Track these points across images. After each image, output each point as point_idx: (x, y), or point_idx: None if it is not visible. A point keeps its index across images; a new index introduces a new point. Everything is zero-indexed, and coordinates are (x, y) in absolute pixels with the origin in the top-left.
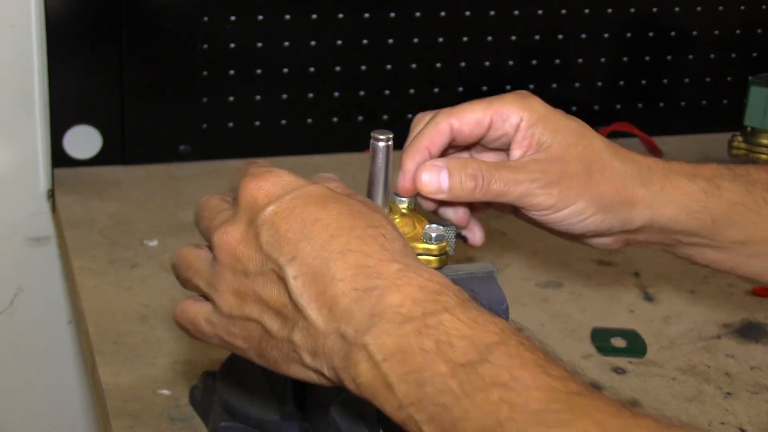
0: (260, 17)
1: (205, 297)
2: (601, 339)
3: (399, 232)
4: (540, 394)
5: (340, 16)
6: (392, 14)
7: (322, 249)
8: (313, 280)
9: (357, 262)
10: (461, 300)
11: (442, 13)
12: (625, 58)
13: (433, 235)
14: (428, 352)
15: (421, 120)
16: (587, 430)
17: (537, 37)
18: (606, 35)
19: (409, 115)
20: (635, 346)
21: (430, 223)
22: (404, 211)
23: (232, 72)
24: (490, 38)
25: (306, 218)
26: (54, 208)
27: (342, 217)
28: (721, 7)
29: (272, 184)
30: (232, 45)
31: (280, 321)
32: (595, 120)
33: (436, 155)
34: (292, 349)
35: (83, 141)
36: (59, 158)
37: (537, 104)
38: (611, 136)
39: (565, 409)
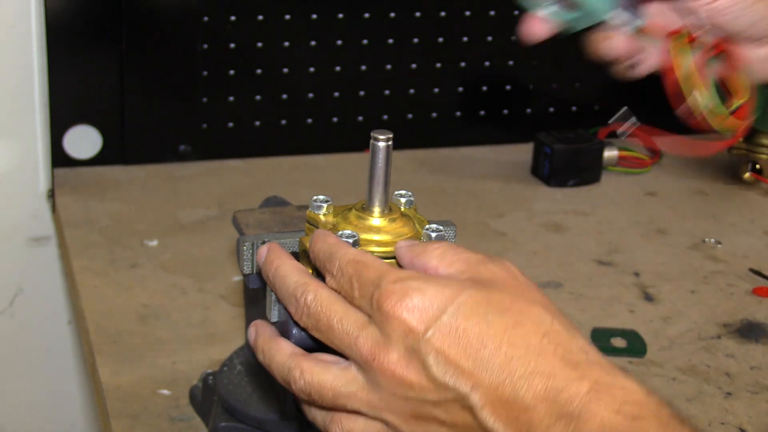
0: (260, 17)
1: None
2: (601, 339)
3: (569, 323)
4: None
5: (340, 16)
6: (392, 14)
7: (503, 373)
8: (502, 408)
9: (544, 386)
10: (664, 423)
11: (442, 13)
12: None
13: (433, 235)
14: None
15: None
16: None
17: None
18: None
19: (409, 115)
20: (635, 346)
21: (430, 223)
22: (404, 211)
23: (232, 72)
24: (490, 38)
25: (473, 340)
26: (54, 208)
27: (510, 331)
28: None
29: (421, 302)
30: (232, 45)
31: None
32: (595, 120)
33: None
34: None
35: (83, 141)
36: (59, 158)
37: None
38: (611, 136)
39: None
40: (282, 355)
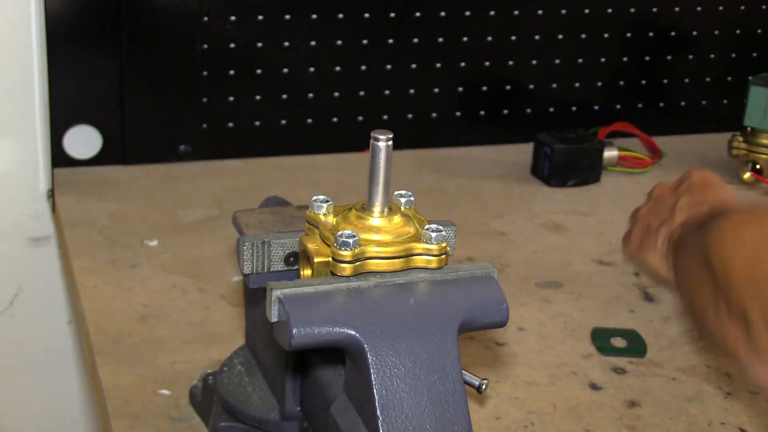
0: (260, 17)
1: None
2: (601, 339)
3: None
4: None
5: (340, 16)
6: (392, 14)
7: None
8: None
9: None
10: None
11: (442, 13)
12: (625, 58)
13: (433, 235)
14: None
15: None
16: None
17: (537, 37)
18: (606, 35)
19: (409, 115)
20: (635, 346)
21: (430, 222)
22: (404, 210)
23: (232, 72)
24: (490, 38)
25: None
26: (54, 208)
27: None
28: (721, 7)
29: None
30: (232, 45)
31: None
32: (595, 120)
33: None
34: None
35: (83, 141)
36: (59, 158)
37: None
38: (611, 136)
39: None
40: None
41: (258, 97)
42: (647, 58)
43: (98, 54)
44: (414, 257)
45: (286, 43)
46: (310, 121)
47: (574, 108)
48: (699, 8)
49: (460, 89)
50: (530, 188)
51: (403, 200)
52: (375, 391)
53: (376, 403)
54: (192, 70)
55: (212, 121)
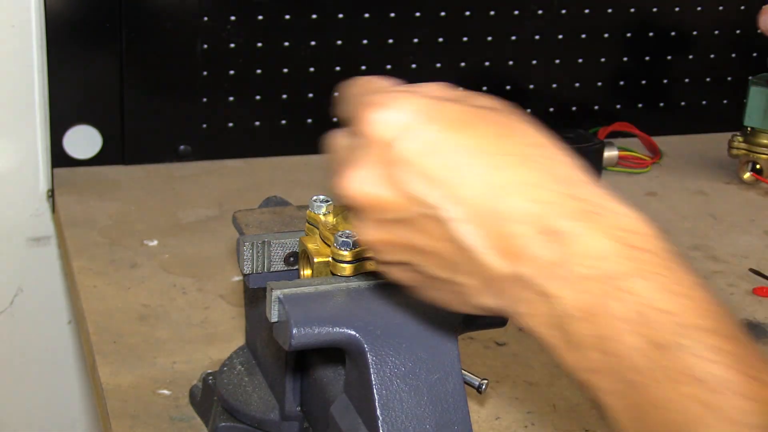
0: (260, 17)
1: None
2: None
3: (560, 145)
4: (744, 404)
5: (340, 16)
6: (392, 14)
7: (485, 185)
8: (482, 222)
9: (531, 197)
10: (664, 258)
11: (442, 13)
12: (625, 58)
13: None
14: (619, 320)
15: None
16: None
17: (537, 37)
18: (606, 35)
19: None
20: None
21: None
22: None
23: (232, 72)
24: (490, 38)
25: (453, 149)
26: (54, 208)
27: (500, 140)
28: (721, 7)
29: (398, 113)
30: (232, 45)
31: (441, 264)
32: (595, 120)
33: None
34: (457, 290)
35: (83, 141)
36: (59, 158)
37: None
38: (611, 136)
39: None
40: None
41: (258, 97)
42: (647, 58)
43: (98, 54)
44: None
45: (286, 43)
46: (309, 121)
47: (574, 108)
48: (699, 8)
49: (460, 89)
50: None
51: None
52: (375, 391)
53: (376, 403)
54: (192, 70)
55: (212, 121)
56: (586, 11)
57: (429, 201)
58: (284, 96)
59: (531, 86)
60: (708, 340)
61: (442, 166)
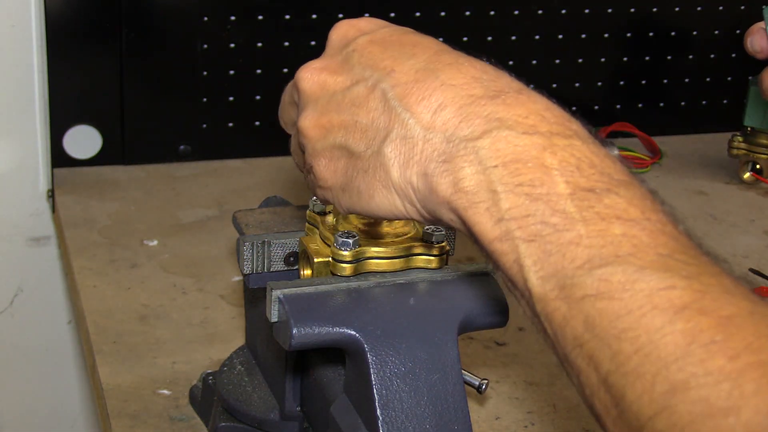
0: (260, 17)
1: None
2: None
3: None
4: (668, 240)
5: (340, 16)
6: (392, 14)
7: (428, 62)
8: (416, 87)
9: (471, 74)
10: (590, 134)
11: (442, 13)
12: (625, 58)
13: (434, 234)
14: (549, 169)
15: None
16: (712, 288)
17: (537, 37)
18: (606, 35)
19: None
20: None
21: None
22: None
23: (232, 72)
24: (490, 38)
25: (405, 42)
26: (54, 208)
27: (443, 45)
28: (721, 7)
29: (366, 22)
30: (232, 45)
31: (368, 137)
32: (595, 120)
33: None
34: (379, 164)
35: (83, 141)
36: (59, 158)
37: None
38: (611, 136)
39: (694, 262)
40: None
41: (258, 97)
42: (647, 58)
43: (98, 54)
44: (414, 257)
45: (286, 43)
46: None
47: (574, 108)
48: (699, 8)
49: None
50: None
51: None
52: (375, 391)
53: (376, 403)
54: (192, 70)
55: (212, 121)
56: (586, 11)
57: (368, 74)
58: None
59: (531, 86)
60: (636, 191)
61: (389, 50)
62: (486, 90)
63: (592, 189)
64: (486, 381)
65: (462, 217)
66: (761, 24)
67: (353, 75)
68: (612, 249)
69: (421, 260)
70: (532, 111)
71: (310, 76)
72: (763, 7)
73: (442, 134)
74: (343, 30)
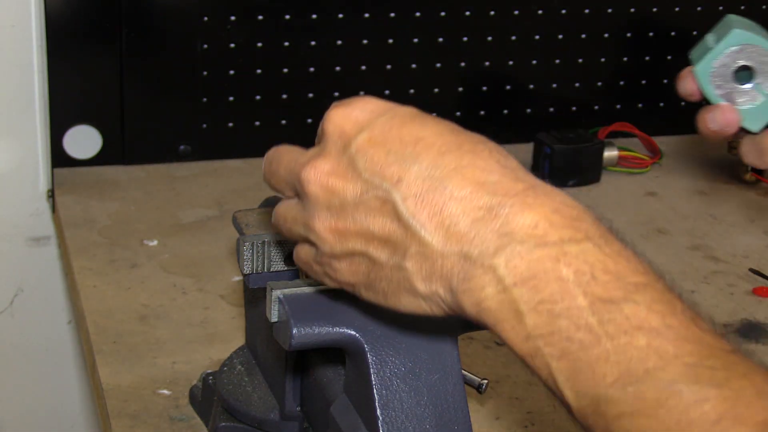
0: (260, 17)
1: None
2: None
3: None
4: (693, 347)
5: (340, 16)
6: (392, 14)
7: (433, 167)
8: (426, 200)
9: (476, 178)
10: (602, 231)
11: (442, 13)
12: (625, 58)
13: None
14: (566, 282)
15: None
16: (743, 392)
17: (537, 37)
18: (606, 35)
19: None
20: None
21: None
22: None
23: (232, 72)
24: (490, 38)
25: (406, 139)
26: (54, 208)
27: (446, 135)
28: (721, 7)
29: (360, 111)
30: (232, 45)
31: (389, 249)
32: (595, 120)
33: None
34: (403, 277)
35: (83, 141)
36: (59, 158)
37: None
38: (611, 136)
39: (721, 366)
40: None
41: (258, 97)
42: (647, 58)
43: (98, 54)
44: None
45: (286, 43)
46: (310, 121)
47: (574, 108)
48: (699, 8)
49: (460, 89)
50: None
51: None
52: (375, 391)
53: (376, 403)
54: (192, 70)
55: (212, 121)
56: (586, 11)
57: (377, 182)
58: (284, 96)
59: (531, 86)
60: (653, 294)
61: (393, 152)
62: (492, 197)
63: (611, 299)
64: (486, 381)
65: (491, 329)
66: (689, 68)
67: (362, 183)
68: (640, 364)
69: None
70: (541, 217)
71: (317, 180)
72: (690, 51)
73: (458, 251)
74: (338, 123)
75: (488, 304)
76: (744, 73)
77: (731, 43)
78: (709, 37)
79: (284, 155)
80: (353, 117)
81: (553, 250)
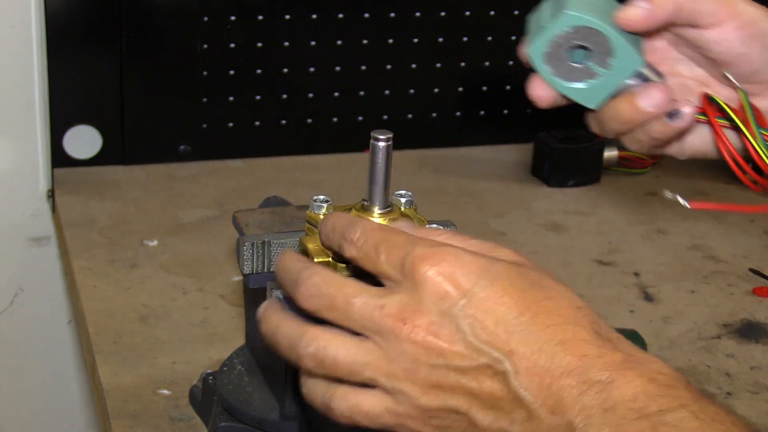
0: (260, 17)
1: (368, 385)
2: None
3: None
4: None
5: (340, 16)
6: (392, 14)
7: (540, 340)
8: (536, 374)
9: (580, 352)
10: (696, 396)
11: (442, 13)
12: None
13: None
14: None
15: None
16: None
17: None
18: None
19: (409, 115)
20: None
21: (430, 223)
22: (404, 210)
23: (232, 72)
24: (490, 38)
25: (511, 307)
26: (54, 208)
27: (545, 302)
28: None
29: (458, 270)
30: (232, 45)
31: (494, 414)
32: None
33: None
34: None
35: (83, 141)
36: (59, 158)
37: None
38: None
39: None
40: (291, 322)
41: (258, 97)
42: None
43: (98, 54)
44: None
45: (286, 43)
46: (310, 121)
47: (574, 108)
48: None
49: (460, 89)
50: (530, 188)
51: (403, 200)
52: None
53: None
54: (192, 70)
55: (212, 121)
56: None
57: (487, 350)
58: (284, 96)
59: None
60: None
61: (501, 322)
62: (595, 370)
63: None
64: None
65: None
66: (536, 74)
67: (471, 350)
68: None
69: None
70: (638, 389)
71: (423, 340)
72: (527, 18)
73: (564, 422)
74: (438, 285)
75: None
76: (578, 51)
77: (564, 24)
78: (544, 7)
79: (354, 294)
80: (452, 278)
81: (652, 421)
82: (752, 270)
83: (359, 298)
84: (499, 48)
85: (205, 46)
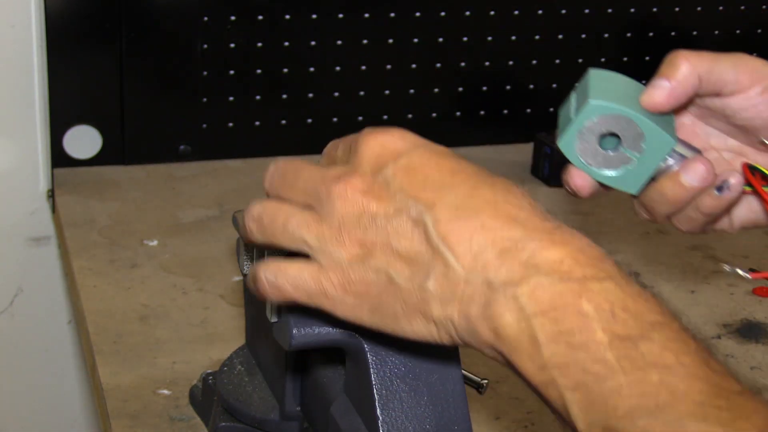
0: (260, 17)
1: (299, 253)
2: None
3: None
4: (703, 386)
5: (340, 16)
6: (392, 14)
7: (468, 197)
8: (457, 227)
9: (508, 213)
10: (623, 273)
11: (442, 13)
12: (625, 58)
13: None
14: (586, 317)
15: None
16: None
17: (537, 37)
18: (606, 35)
19: (409, 115)
20: None
21: None
22: None
23: (232, 72)
24: (490, 38)
25: (443, 169)
26: (54, 208)
27: (481, 172)
28: (721, 7)
29: (398, 139)
30: (232, 45)
31: (412, 269)
32: None
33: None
34: (421, 298)
35: (83, 141)
36: (59, 158)
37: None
38: None
39: (727, 407)
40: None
41: (258, 97)
42: (647, 58)
43: (98, 54)
44: None
45: (286, 43)
46: (310, 121)
47: None
48: (699, 8)
49: (460, 89)
50: (530, 188)
51: None
52: (375, 391)
53: (376, 403)
54: (192, 70)
55: (212, 121)
56: (586, 11)
57: (411, 204)
58: (284, 96)
59: (531, 86)
60: (669, 333)
61: (430, 180)
62: (523, 231)
63: (628, 336)
64: (486, 381)
65: (505, 358)
66: (571, 165)
67: (396, 204)
68: (651, 399)
69: None
70: (566, 254)
71: (351, 197)
72: (559, 109)
73: (482, 277)
74: (374, 147)
75: (506, 332)
76: (610, 138)
77: (590, 114)
78: (572, 99)
79: (303, 169)
80: (391, 144)
81: (576, 285)
82: (752, 270)
83: (307, 171)
84: (499, 48)
85: (205, 46)
